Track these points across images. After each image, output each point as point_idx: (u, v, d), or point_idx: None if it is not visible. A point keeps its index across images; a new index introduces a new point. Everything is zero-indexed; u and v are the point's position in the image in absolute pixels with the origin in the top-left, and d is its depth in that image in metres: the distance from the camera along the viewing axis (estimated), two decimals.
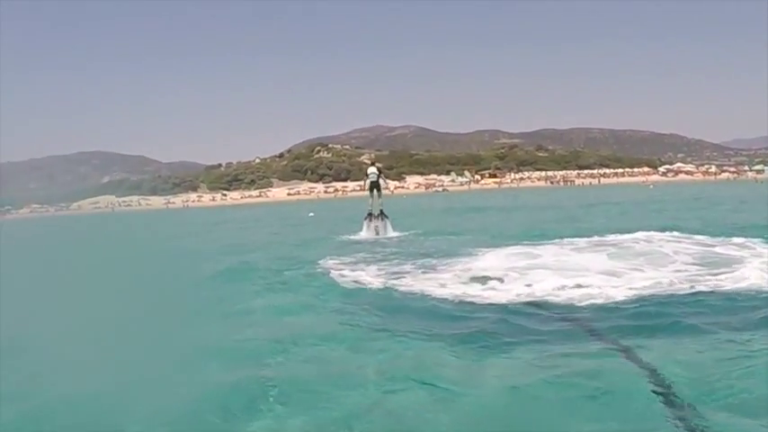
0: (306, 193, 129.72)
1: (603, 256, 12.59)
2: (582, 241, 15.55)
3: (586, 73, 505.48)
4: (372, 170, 24.77)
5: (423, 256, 14.24)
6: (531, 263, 11.87)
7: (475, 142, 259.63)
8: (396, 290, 10.21)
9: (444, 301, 9.22)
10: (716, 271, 10.42)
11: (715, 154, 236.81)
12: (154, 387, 5.93)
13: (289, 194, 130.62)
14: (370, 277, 11.47)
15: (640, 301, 8.59)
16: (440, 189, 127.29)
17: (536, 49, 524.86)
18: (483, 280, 10.34)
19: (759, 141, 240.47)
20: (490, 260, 12.55)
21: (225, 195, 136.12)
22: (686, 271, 10.60)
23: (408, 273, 11.81)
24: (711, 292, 8.97)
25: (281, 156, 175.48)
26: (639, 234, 15.87)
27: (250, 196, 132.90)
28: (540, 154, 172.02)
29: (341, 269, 12.65)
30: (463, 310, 8.63)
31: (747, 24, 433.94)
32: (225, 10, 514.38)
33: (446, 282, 10.55)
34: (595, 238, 15.90)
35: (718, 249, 12.96)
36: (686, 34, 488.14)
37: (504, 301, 8.97)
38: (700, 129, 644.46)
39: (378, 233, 23.22)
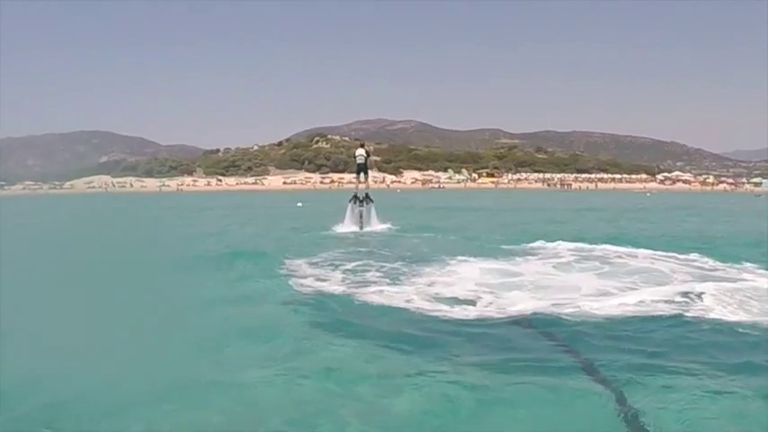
0: (302, 183, 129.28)
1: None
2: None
3: (589, 76, 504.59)
4: (360, 152, 24.43)
5: (395, 260, 13.53)
6: (505, 280, 11.26)
7: (475, 140, 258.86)
8: (355, 299, 9.61)
9: (402, 314, 8.66)
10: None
11: (714, 164, 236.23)
12: None
13: (285, 183, 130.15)
14: (332, 284, 10.75)
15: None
16: (436, 186, 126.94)
17: (541, 50, 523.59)
18: (448, 297, 9.66)
19: (760, 153, 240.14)
20: (464, 272, 11.92)
21: (220, 181, 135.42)
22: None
23: (373, 282, 11.04)
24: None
25: (279, 144, 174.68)
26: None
27: (246, 183, 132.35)
28: (539, 156, 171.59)
29: (302, 270, 12.10)
30: (419, 323, 8.17)
31: (754, 35, 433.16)
32: None
33: (410, 295, 9.80)
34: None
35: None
36: (693, 42, 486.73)
37: (459, 316, 8.49)
38: (700, 138, 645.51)
39: (361, 225, 23.01)
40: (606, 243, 16.18)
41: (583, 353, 6.80)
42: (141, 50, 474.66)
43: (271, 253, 15.22)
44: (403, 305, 8.98)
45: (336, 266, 12.53)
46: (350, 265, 12.60)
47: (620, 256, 13.96)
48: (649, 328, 7.78)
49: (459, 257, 13.55)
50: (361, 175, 24.25)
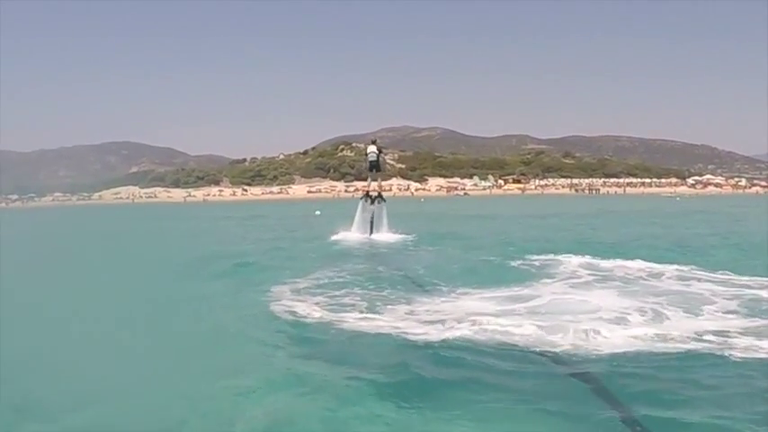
0: (326, 191, 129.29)
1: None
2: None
3: (617, 80, 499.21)
4: (372, 149, 23.73)
5: (391, 286, 12.11)
6: (515, 306, 10.04)
7: (502, 147, 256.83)
8: (333, 328, 8.68)
9: (386, 345, 7.83)
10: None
11: (746, 167, 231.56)
12: None
13: (309, 192, 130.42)
14: (313, 308, 9.75)
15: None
16: (461, 193, 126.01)
17: (568, 55, 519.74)
18: (445, 325, 8.64)
19: None
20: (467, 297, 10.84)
21: (246, 191, 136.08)
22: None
23: (352, 306, 10.02)
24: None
25: (305, 153, 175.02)
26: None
27: (271, 192, 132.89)
28: (567, 161, 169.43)
29: (283, 293, 11.17)
30: (407, 356, 7.30)
31: None
32: (258, 6, 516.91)
33: (401, 322, 8.85)
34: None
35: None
36: (722, 44, 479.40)
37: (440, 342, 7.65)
38: (731, 141, 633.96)
39: (371, 229, 22.55)
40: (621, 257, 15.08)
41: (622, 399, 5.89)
42: (171, 63, 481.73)
43: (255, 267, 15.09)
44: (390, 334, 8.15)
45: (322, 288, 11.66)
46: (338, 291, 11.42)
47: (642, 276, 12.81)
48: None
49: (464, 278, 12.69)
50: (373, 172, 23.75)
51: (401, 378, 6.39)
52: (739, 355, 6.95)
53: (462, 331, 7.93)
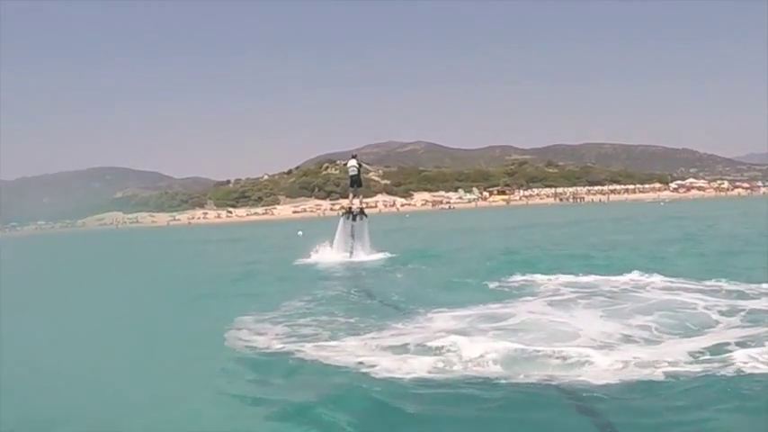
0: (311, 211, 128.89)
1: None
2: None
3: (598, 88, 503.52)
4: (352, 163, 23.09)
5: (362, 312, 11.65)
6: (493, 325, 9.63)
7: (486, 158, 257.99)
8: (292, 358, 8.21)
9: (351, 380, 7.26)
10: None
11: (728, 169, 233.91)
12: None
13: (294, 212, 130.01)
14: (273, 339, 9.25)
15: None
16: (446, 206, 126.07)
17: (548, 65, 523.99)
18: (419, 353, 8.08)
19: None
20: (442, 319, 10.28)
21: (230, 213, 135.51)
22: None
23: (316, 335, 9.47)
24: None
25: (289, 172, 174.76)
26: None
27: (256, 213, 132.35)
28: (550, 170, 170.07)
29: (248, 323, 10.48)
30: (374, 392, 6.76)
31: (761, 39, 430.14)
32: (241, 24, 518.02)
33: (369, 351, 8.29)
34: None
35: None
36: (699, 49, 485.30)
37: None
38: (712, 144, 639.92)
39: (351, 249, 22.23)
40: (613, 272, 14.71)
41: None
42: (154, 87, 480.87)
43: (220, 296, 14.68)
44: (351, 365, 7.59)
45: (287, 316, 11.08)
46: (303, 319, 10.78)
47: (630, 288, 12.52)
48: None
49: (440, 298, 12.40)
50: (354, 187, 23.36)
51: (358, 416, 6.09)
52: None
53: (431, 360, 7.52)
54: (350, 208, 23.02)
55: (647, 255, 18.80)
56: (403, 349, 8.16)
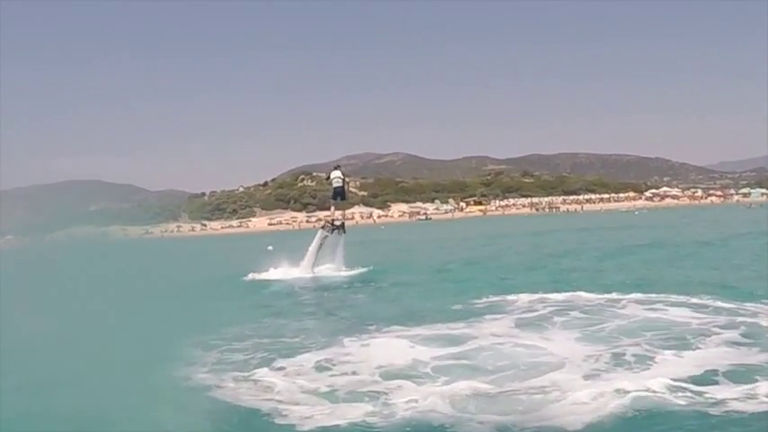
0: (287, 223, 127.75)
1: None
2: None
3: (573, 98, 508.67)
4: (336, 174, 22.22)
5: (308, 336, 10.89)
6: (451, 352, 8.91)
7: (462, 168, 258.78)
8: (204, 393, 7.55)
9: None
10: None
11: (700, 177, 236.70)
12: None
13: (270, 224, 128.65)
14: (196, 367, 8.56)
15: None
16: (423, 218, 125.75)
17: (523, 74, 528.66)
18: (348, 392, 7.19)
19: (745, 164, 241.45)
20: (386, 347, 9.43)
21: (205, 225, 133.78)
22: None
23: (238, 365, 8.73)
24: None
25: (264, 185, 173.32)
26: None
27: (230, 226, 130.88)
28: (526, 180, 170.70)
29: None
30: None
31: (732, 49, 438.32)
32: (212, 39, 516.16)
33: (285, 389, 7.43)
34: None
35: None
36: (671, 58, 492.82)
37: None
38: (685, 152, 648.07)
39: (311, 267, 21.65)
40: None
41: None
42: (128, 97, 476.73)
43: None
44: (269, 410, 6.71)
45: (221, 340, 10.41)
46: (240, 343, 10.08)
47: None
48: None
49: (400, 319, 11.74)
50: (337, 200, 22.63)
51: None
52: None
53: (365, 406, 6.56)
54: (332, 221, 22.31)
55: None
56: (332, 390, 7.20)
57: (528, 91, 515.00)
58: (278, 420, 6.40)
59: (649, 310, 11.22)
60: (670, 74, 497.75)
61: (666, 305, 11.55)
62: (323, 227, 22.49)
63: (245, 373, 8.12)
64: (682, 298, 12.15)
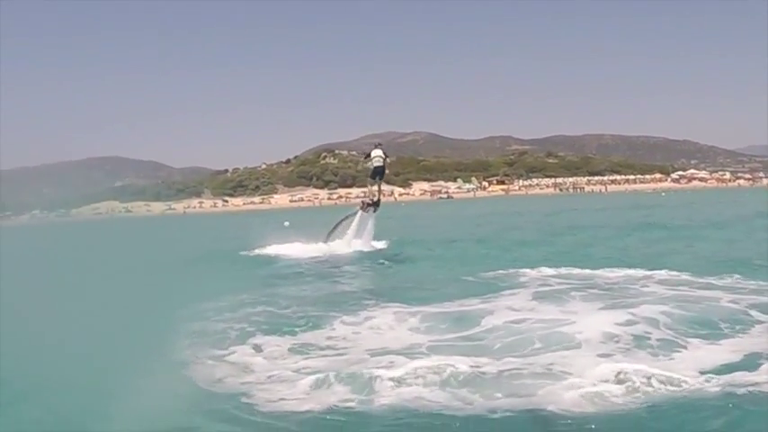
0: (308, 200, 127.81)
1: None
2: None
3: (599, 79, 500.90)
4: (378, 153, 21.69)
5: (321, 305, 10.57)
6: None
7: (485, 148, 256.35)
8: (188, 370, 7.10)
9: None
10: None
11: (728, 160, 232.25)
12: None
13: (291, 201, 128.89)
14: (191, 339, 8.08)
15: None
16: (444, 196, 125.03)
17: (549, 54, 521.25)
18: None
19: None
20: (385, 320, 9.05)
21: (227, 202, 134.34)
22: None
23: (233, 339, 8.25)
24: None
25: (287, 162, 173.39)
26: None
27: (252, 203, 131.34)
28: (550, 160, 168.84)
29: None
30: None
31: (762, 31, 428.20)
32: (237, 16, 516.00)
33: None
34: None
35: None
36: (700, 40, 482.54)
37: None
38: (713, 135, 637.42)
39: (326, 238, 21.47)
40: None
41: None
42: (153, 76, 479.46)
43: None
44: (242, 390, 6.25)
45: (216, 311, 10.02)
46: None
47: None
48: None
49: (412, 293, 11.30)
50: (376, 179, 22.15)
51: None
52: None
53: (350, 386, 6.01)
54: (371, 199, 21.95)
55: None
56: (313, 371, 6.64)
57: (553, 70, 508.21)
58: (250, 401, 5.96)
59: (674, 290, 10.63)
60: (699, 55, 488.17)
61: (693, 287, 10.85)
62: (362, 208, 22.00)
63: (224, 351, 7.68)
64: (711, 278, 11.51)
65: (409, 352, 7.07)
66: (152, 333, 8.35)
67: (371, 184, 22.81)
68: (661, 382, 5.71)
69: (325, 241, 21.32)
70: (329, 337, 8.12)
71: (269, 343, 7.96)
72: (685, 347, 7.05)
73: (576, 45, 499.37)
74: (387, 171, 22.42)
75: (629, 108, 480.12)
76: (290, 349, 7.62)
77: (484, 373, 6.17)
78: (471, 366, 6.30)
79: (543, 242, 21.45)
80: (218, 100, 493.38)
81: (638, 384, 5.66)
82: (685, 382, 5.74)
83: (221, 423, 5.52)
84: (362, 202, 22.35)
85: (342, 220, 22.16)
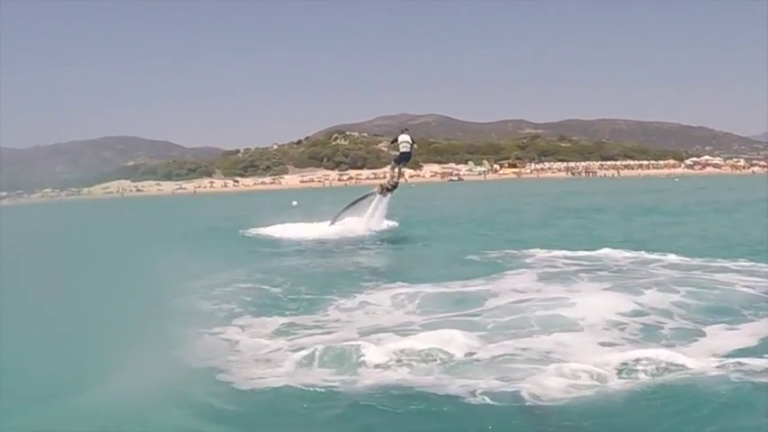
0: (319, 181, 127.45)
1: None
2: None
3: (612, 63, 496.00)
4: (405, 138, 21.45)
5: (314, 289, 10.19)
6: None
7: (498, 132, 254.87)
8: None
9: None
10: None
11: (743, 147, 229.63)
12: None
13: (302, 182, 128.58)
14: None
15: None
16: (455, 178, 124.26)
17: (563, 39, 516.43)
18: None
19: None
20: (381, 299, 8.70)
21: (237, 182, 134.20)
22: None
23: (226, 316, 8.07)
24: None
25: (298, 143, 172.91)
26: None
27: (263, 183, 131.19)
28: (563, 144, 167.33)
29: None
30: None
31: None
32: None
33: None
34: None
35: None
36: (717, 26, 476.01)
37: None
38: (728, 122, 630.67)
39: (333, 220, 21.33)
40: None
41: None
42: (168, 55, 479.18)
43: None
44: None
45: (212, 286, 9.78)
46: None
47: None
48: None
49: (415, 271, 10.93)
50: (401, 164, 22.02)
51: None
52: None
53: (338, 366, 5.68)
54: (390, 183, 21.74)
55: None
56: (297, 349, 6.38)
57: (567, 54, 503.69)
58: (230, 380, 5.69)
59: (685, 273, 10.19)
60: (715, 41, 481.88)
61: (707, 270, 10.40)
62: (380, 192, 21.79)
63: (209, 330, 7.40)
64: (725, 262, 11.08)
65: (402, 331, 6.75)
66: (137, 310, 8.01)
67: (393, 168, 22.39)
68: (668, 369, 5.30)
69: (333, 222, 21.06)
70: (321, 318, 7.79)
71: (256, 323, 7.65)
72: (699, 334, 6.68)
73: (592, 30, 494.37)
74: (413, 157, 22.21)
75: (643, 94, 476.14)
76: (277, 329, 7.31)
77: (474, 355, 5.80)
78: (464, 349, 5.92)
79: (550, 224, 21.13)
80: (233, 81, 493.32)
81: (642, 371, 5.26)
82: (694, 367, 5.36)
83: (200, 401, 5.24)
84: (381, 185, 22.12)
85: (357, 201, 21.96)
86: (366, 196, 22.08)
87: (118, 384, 5.45)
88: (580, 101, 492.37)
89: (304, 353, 6.08)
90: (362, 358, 5.76)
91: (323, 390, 5.21)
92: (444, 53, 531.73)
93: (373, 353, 5.84)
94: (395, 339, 6.38)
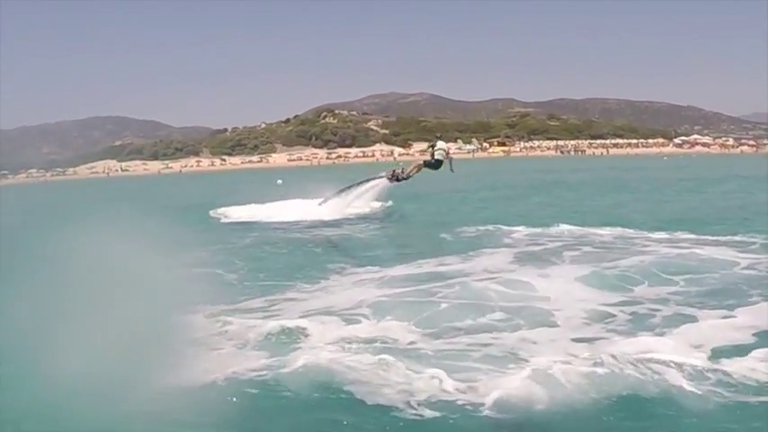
0: (307, 159, 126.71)
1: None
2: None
3: (603, 42, 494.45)
4: (441, 146, 21.17)
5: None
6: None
7: (488, 110, 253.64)
8: None
9: None
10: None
11: (732, 127, 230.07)
12: None
13: (289, 160, 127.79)
14: None
15: None
16: None
17: (553, 17, 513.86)
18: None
19: None
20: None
21: (224, 161, 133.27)
22: None
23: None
24: None
25: (286, 121, 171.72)
26: None
27: (250, 162, 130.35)
28: (552, 123, 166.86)
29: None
30: None
31: None
32: None
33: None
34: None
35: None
36: (706, 5, 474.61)
37: None
38: (718, 102, 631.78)
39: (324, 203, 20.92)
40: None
41: None
42: (154, 34, 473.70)
43: None
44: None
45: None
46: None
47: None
48: None
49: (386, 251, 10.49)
50: (429, 167, 21.15)
51: None
52: None
53: (271, 355, 5.30)
54: (405, 176, 21.41)
55: None
56: (231, 337, 6.01)
57: (557, 33, 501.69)
58: (164, 368, 5.26)
59: (676, 248, 9.77)
60: (702, 21, 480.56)
61: (693, 243, 10.00)
62: (389, 178, 21.48)
63: (155, 314, 6.84)
64: (719, 237, 10.68)
65: (350, 317, 6.24)
66: (76, 292, 7.43)
67: (418, 167, 21.57)
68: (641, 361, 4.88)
69: (323, 202, 20.68)
70: (273, 300, 7.29)
71: (205, 309, 7.12)
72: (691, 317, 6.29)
73: (583, 9, 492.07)
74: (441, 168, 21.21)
75: (633, 73, 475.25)
76: (221, 312, 6.79)
77: (416, 344, 5.34)
78: (410, 337, 5.46)
79: (537, 201, 20.80)
80: (218, 59, 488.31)
81: (615, 362, 4.83)
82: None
83: (118, 394, 4.74)
84: (394, 171, 21.75)
85: (362, 182, 21.64)
86: (373, 178, 21.66)
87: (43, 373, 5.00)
88: (570, 80, 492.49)
89: (242, 338, 5.64)
90: (300, 344, 5.31)
91: (254, 376, 4.79)
92: (434, 32, 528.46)
93: (314, 338, 5.39)
94: (340, 325, 5.90)
